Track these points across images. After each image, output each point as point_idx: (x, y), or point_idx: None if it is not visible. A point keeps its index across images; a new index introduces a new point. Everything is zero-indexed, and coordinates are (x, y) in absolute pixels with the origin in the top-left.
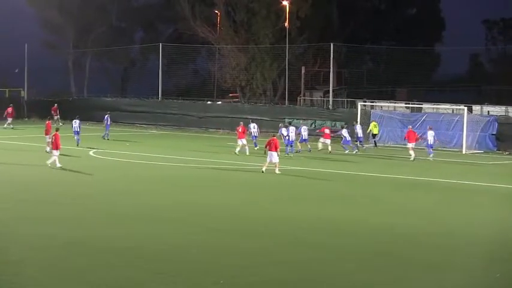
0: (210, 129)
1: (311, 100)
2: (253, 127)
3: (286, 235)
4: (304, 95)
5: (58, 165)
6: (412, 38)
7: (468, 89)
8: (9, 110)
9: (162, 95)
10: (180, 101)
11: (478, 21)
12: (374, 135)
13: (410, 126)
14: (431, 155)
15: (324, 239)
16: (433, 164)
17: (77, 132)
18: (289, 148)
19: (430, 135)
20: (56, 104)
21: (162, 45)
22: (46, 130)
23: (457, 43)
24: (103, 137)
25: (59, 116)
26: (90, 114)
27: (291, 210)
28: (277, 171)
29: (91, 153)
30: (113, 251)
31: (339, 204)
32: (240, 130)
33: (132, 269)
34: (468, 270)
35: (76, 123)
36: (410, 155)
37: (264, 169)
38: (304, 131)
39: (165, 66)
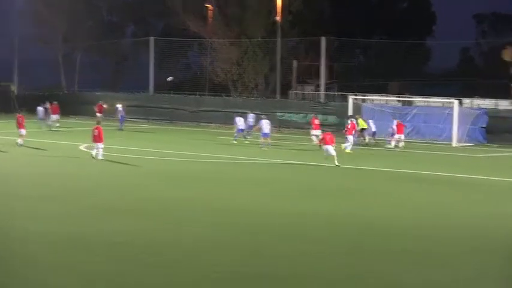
0: (202, 124)
1: (303, 94)
2: (239, 120)
3: (285, 229)
4: (295, 89)
5: (100, 157)
6: (403, 32)
7: (459, 83)
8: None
9: (154, 89)
10: (171, 95)
11: (469, 15)
12: (362, 130)
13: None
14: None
15: (321, 233)
16: (423, 156)
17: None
18: None
19: (371, 123)
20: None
21: (153, 39)
22: (19, 123)
23: (448, 37)
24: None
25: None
26: (80, 109)
27: (290, 205)
28: (336, 163)
29: (82, 147)
30: (108, 245)
31: (337, 197)
32: (349, 126)
33: (127, 262)
34: (459, 262)
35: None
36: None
37: (336, 162)
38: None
39: (157, 61)
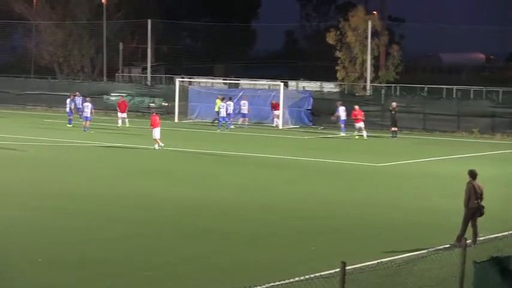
0: (28, 106)
1: (129, 76)
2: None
3: (102, 213)
4: (122, 72)
5: None
6: (228, 15)
7: (284, 65)
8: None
9: None
10: None
11: None
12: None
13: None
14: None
15: (143, 215)
16: (249, 139)
17: None
18: None
19: (220, 106)
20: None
21: None
22: None
23: (273, 20)
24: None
25: None
26: None
27: (107, 187)
28: (158, 147)
29: None
30: None
31: (162, 180)
32: (356, 114)
33: None
34: (287, 243)
35: None
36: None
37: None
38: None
39: None
